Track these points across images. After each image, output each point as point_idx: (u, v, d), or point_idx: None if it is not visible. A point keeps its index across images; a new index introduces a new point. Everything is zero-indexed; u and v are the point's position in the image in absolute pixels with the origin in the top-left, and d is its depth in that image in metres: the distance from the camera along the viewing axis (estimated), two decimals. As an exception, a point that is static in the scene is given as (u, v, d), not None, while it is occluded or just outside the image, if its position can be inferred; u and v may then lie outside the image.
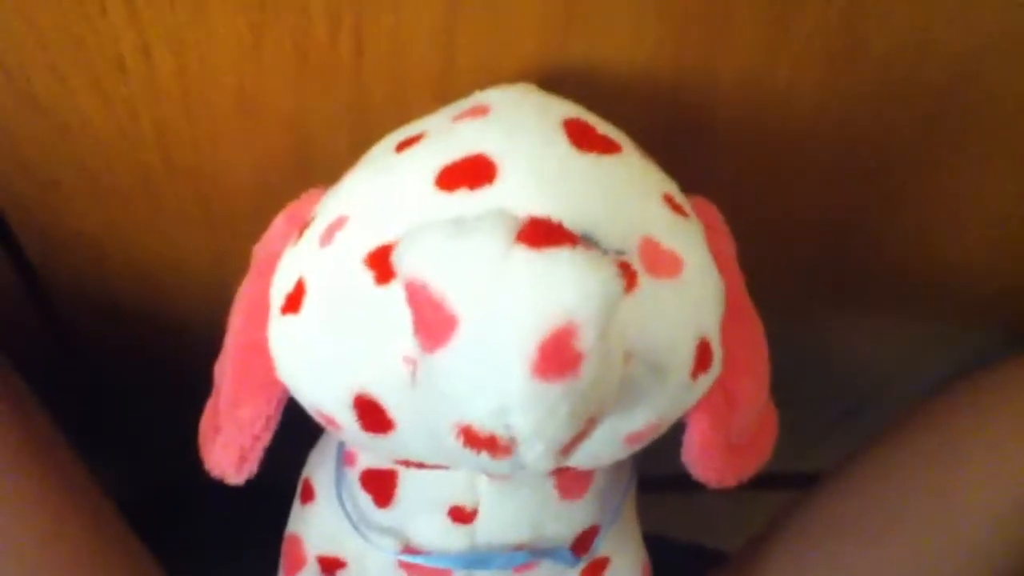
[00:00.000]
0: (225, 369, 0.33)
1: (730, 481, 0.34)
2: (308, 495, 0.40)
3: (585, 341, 0.22)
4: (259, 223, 0.39)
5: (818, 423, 0.65)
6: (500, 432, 0.23)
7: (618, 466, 0.38)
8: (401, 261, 0.24)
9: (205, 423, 0.35)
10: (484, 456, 0.23)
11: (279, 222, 0.34)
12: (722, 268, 0.32)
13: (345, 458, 0.37)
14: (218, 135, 0.37)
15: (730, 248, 0.35)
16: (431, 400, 0.24)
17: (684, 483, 0.36)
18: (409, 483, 0.35)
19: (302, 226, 0.32)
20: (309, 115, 0.37)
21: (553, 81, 0.35)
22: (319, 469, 0.39)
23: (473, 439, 0.23)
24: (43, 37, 0.33)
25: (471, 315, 0.22)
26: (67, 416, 0.45)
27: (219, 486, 0.34)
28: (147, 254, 0.44)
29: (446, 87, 0.35)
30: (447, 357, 0.23)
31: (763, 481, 0.52)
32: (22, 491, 0.40)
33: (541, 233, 0.23)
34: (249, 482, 0.33)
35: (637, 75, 0.35)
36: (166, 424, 0.52)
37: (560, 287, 0.22)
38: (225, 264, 0.43)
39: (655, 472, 0.41)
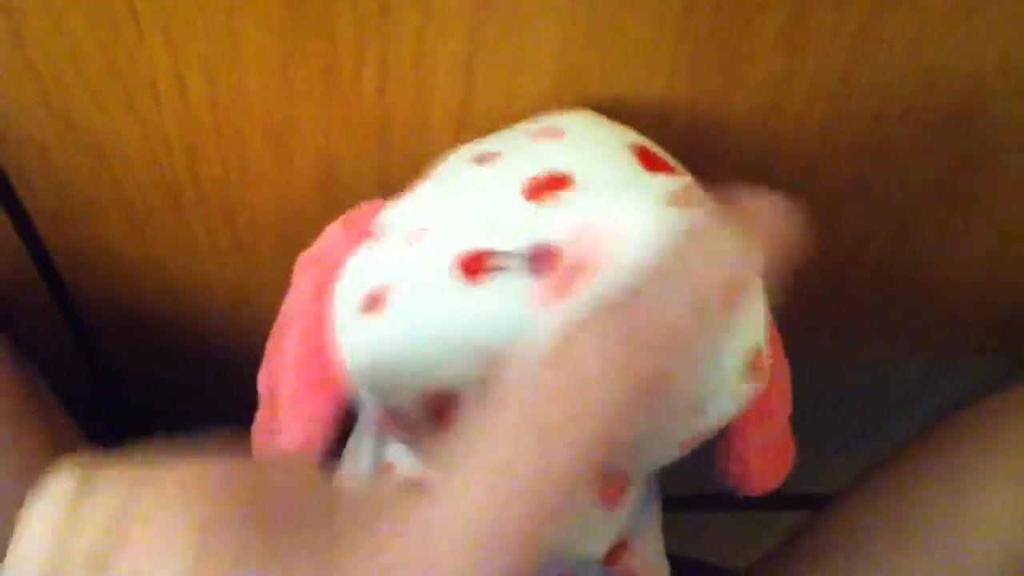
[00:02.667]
0: (283, 377, 0.34)
1: (761, 488, 0.36)
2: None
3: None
4: (284, 246, 0.41)
5: (827, 446, 0.65)
6: None
7: (647, 480, 0.39)
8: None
9: (259, 431, 0.36)
10: None
11: (335, 229, 0.35)
12: None
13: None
14: (246, 160, 0.39)
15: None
16: None
17: (697, 503, 0.37)
18: None
19: (366, 234, 0.33)
20: (334, 143, 0.38)
21: (570, 109, 0.36)
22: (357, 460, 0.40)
23: None
24: (81, 62, 0.35)
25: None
26: (94, 432, 0.47)
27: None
28: (176, 273, 0.45)
29: (466, 118, 0.36)
30: None
31: (773, 502, 0.53)
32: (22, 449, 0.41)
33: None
34: None
35: (651, 107, 0.37)
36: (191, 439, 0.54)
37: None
38: (250, 284, 0.45)
39: (668, 492, 0.41)
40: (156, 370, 0.53)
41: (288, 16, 0.33)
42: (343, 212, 0.36)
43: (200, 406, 0.52)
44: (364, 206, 0.35)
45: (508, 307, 0.27)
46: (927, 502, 0.46)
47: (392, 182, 0.39)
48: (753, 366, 0.31)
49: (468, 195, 0.31)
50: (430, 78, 0.35)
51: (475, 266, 0.28)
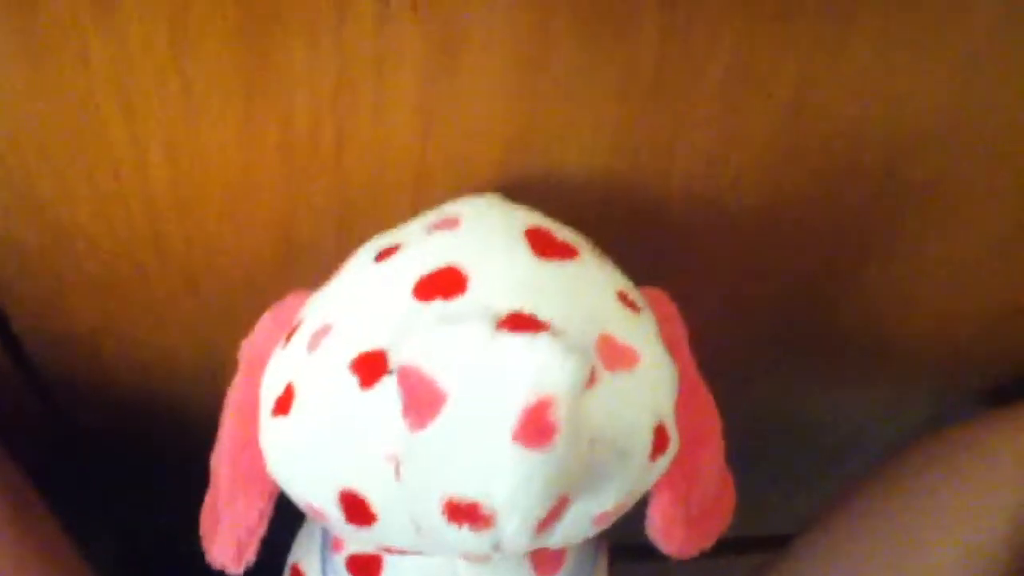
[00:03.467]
0: (220, 466, 0.35)
1: (692, 551, 0.36)
2: None
3: (559, 414, 0.24)
4: (249, 312, 0.41)
5: (789, 480, 0.67)
6: (482, 500, 0.25)
7: (587, 540, 0.40)
8: (397, 349, 0.26)
9: (205, 517, 0.37)
10: (465, 531, 0.25)
11: (266, 322, 0.36)
12: (674, 352, 0.34)
13: (332, 544, 0.39)
14: (209, 233, 0.40)
15: (682, 334, 0.38)
16: (416, 481, 0.26)
17: (653, 551, 0.38)
18: (393, 567, 0.37)
19: (289, 329, 0.34)
20: (294, 212, 0.39)
21: (519, 181, 0.38)
22: (307, 553, 0.41)
23: (455, 512, 0.25)
24: (47, 150, 0.36)
25: (459, 391, 0.25)
26: (61, 499, 0.47)
27: (210, 569, 0.36)
28: (143, 345, 0.46)
29: (420, 189, 0.38)
30: (436, 429, 0.25)
31: (737, 545, 0.54)
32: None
33: (521, 321, 0.27)
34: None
35: (596, 176, 0.38)
36: (161, 507, 0.54)
37: (539, 365, 0.25)
38: (217, 351, 0.45)
39: (627, 541, 0.42)
40: (125, 438, 0.53)
41: (246, 100, 0.34)
42: (305, 275, 0.37)
43: (170, 472, 0.52)
44: (291, 298, 0.36)
45: (398, 411, 0.27)
46: (875, 551, 0.47)
47: (352, 246, 0.40)
48: (657, 441, 0.31)
49: (366, 294, 0.32)
50: (385, 150, 0.37)
51: (368, 369, 0.29)
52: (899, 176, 0.41)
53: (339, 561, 0.39)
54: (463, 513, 0.25)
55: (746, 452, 0.41)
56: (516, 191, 0.37)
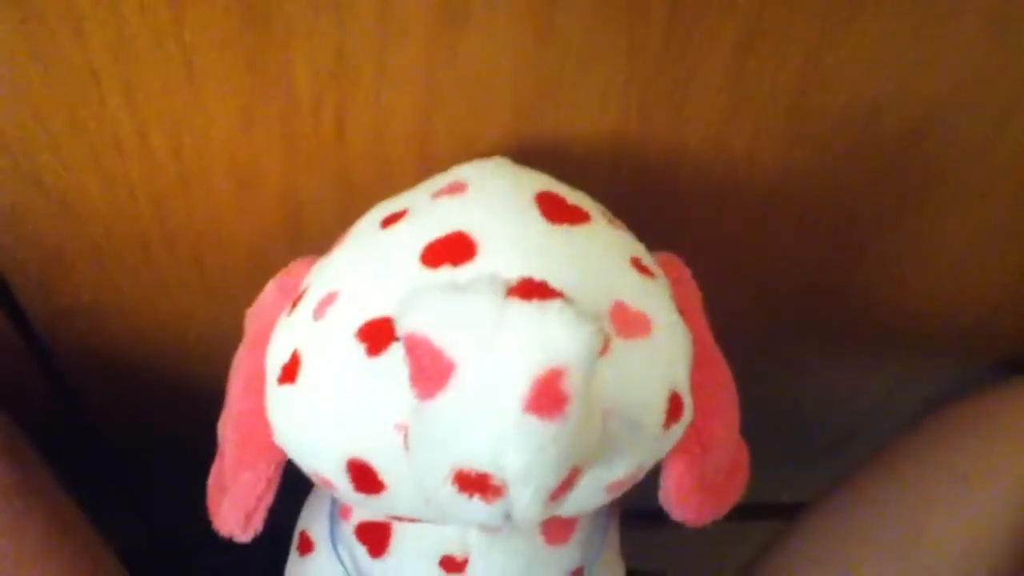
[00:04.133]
0: (227, 434, 0.35)
1: (706, 519, 0.36)
2: (306, 547, 0.41)
3: (572, 384, 0.24)
4: (253, 286, 0.41)
5: (802, 455, 0.67)
6: (493, 471, 0.24)
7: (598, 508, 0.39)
8: (402, 317, 0.25)
9: (212, 484, 0.37)
10: (476, 502, 0.25)
11: (271, 290, 0.36)
12: (689, 319, 0.34)
13: (340, 511, 0.39)
14: (212, 208, 0.39)
15: (696, 300, 0.37)
16: (425, 452, 0.25)
17: (668, 517, 0.37)
18: (403, 534, 0.37)
19: (294, 297, 0.33)
20: (298, 188, 0.39)
21: (527, 150, 0.37)
22: (315, 521, 0.41)
23: (467, 482, 0.24)
24: (46, 122, 0.35)
25: (469, 360, 0.24)
26: (70, 472, 0.47)
27: (216, 537, 0.36)
28: (147, 317, 0.45)
29: (426, 160, 0.37)
30: (445, 400, 0.24)
31: (750, 512, 0.54)
32: (22, 537, 0.41)
33: (532, 288, 0.26)
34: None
35: (605, 142, 0.37)
36: (167, 478, 0.54)
37: (551, 334, 0.24)
38: (221, 325, 0.45)
39: (638, 506, 0.42)
40: (132, 410, 0.53)
41: (247, 71, 0.34)
42: (310, 249, 0.36)
43: (177, 443, 0.52)
44: (295, 265, 0.36)
45: (406, 380, 0.26)
46: (893, 514, 0.47)
47: (356, 219, 0.40)
48: (671, 410, 0.31)
49: (373, 261, 0.31)
50: (388, 123, 0.36)
51: (376, 336, 0.29)
52: (913, 149, 0.40)
53: (348, 528, 0.38)
54: (474, 484, 0.24)
55: (757, 428, 0.40)
56: (524, 157, 0.36)
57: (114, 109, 0.35)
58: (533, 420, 0.23)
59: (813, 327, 0.52)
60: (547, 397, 0.23)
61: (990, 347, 0.54)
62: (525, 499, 0.24)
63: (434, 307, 0.25)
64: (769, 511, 0.60)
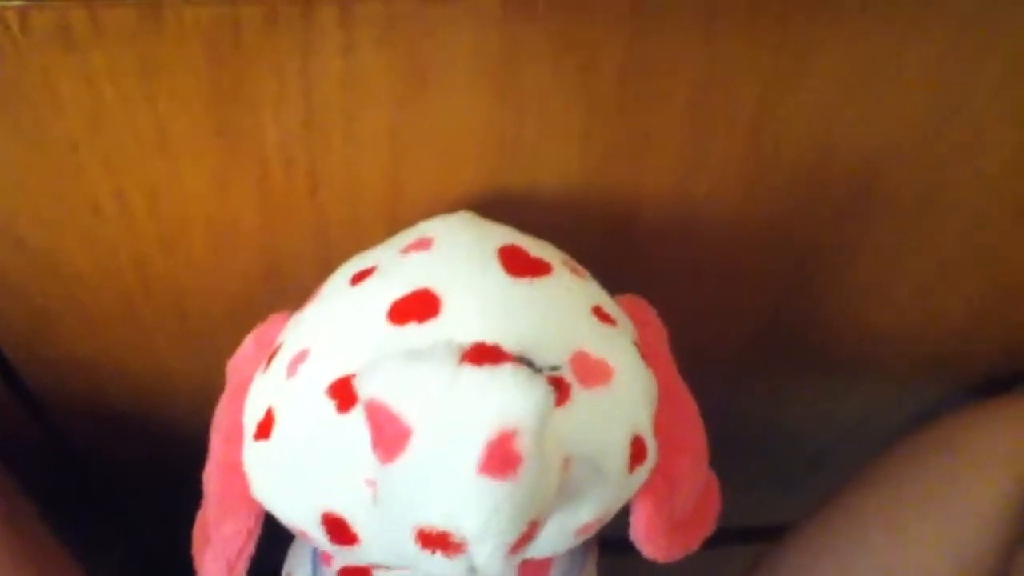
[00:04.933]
0: (209, 485, 0.36)
1: (676, 555, 0.36)
2: None
3: (524, 444, 0.25)
4: (236, 335, 0.42)
5: (779, 478, 0.67)
6: (452, 530, 0.25)
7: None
8: (362, 385, 0.26)
9: (197, 534, 0.37)
10: (439, 557, 0.26)
11: (248, 344, 0.37)
12: (653, 359, 0.35)
13: (322, 557, 0.40)
14: (192, 264, 0.40)
15: (662, 340, 0.38)
16: (390, 510, 0.27)
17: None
18: None
19: (270, 352, 0.34)
20: (276, 243, 0.40)
21: (493, 204, 0.38)
22: (299, 566, 0.42)
23: (428, 540, 0.25)
24: (27, 190, 0.36)
25: (423, 425, 0.25)
26: (60, 517, 0.48)
27: None
28: (134, 368, 0.47)
29: (396, 214, 0.38)
30: (403, 464, 0.25)
31: (729, 536, 0.54)
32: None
33: (484, 353, 0.27)
34: None
35: (570, 191, 0.39)
36: (158, 502, 0.55)
37: (502, 397, 0.25)
38: (204, 373, 0.46)
39: (616, 535, 0.43)
40: (122, 457, 0.54)
41: (218, 136, 0.35)
42: (291, 298, 0.37)
43: (166, 489, 0.53)
44: (273, 319, 0.37)
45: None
46: (865, 547, 0.48)
47: (334, 268, 0.41)
48: (634, 454, 0.32)
49: (342, 318, 0.32)
50: (359, 183, 0.37)
51: (345, 393, 0.29)
52: (866, 191, 0.42)
53: (330, 574, 0.39)
54: (435, 541, 0.25)
55: (736, 452, 0.41)
56: (491, 209, 0.37)
57: (92, 175, 0.36)
58: (487, 481, 0.24)
59: (782, 357, 0.53)
60: (499, 458, 0.24)
61: (957, 373, 0.55)
62: (485, 555, 0.25)
63: (392, 374, 0.26)
64: (748, 535, 0.61)
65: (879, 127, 0.38)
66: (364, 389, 0.26)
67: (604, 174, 0.38)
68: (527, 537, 0.26)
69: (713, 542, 0.40)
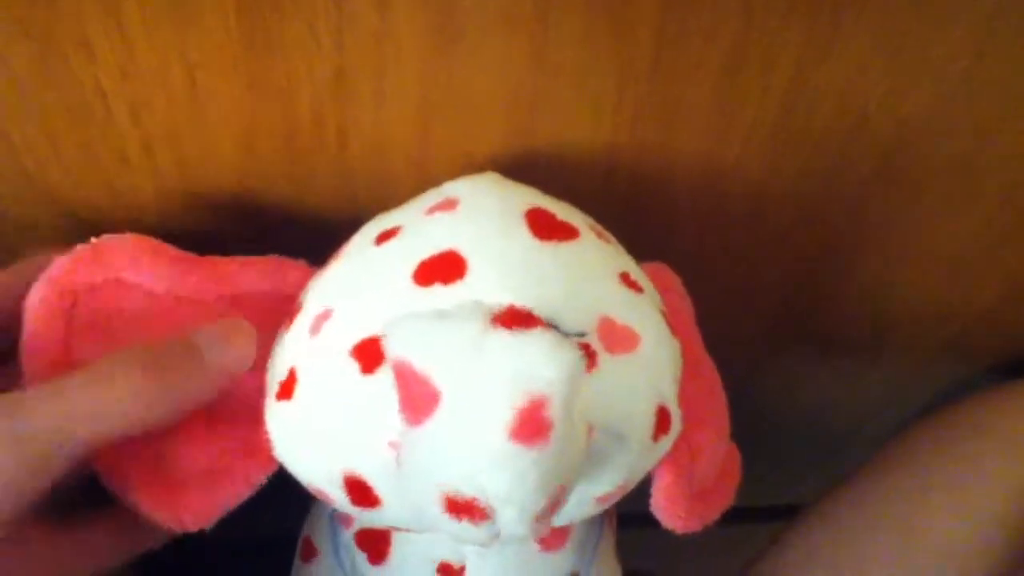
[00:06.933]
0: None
1: (695, 526, 0.36)
2: (310, 553, 0.42)
3: (554, 411, 0.24)
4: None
5: (800, 458, 0.67)
6: (479, 496, 0.25)
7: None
8: (389, 345, 0.26)
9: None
10: (465, 523, 0.25)
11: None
12: (679, 329, 0.34)
13: (341, 520, 0.40)
14: (218, 222, 0.40)
15: (687, 309, 0.38)
16: (414, 475, 0.26)
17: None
18: (401, 542, 0.38)
19: (296, 308, 0.34)
20: (304, 197, 0.40)
21: (522, 162, 0.38)
22: (318, 528, 0.42)
23: (454, 506, 0.25)
24: (56, 142, 0.36)
25: (453, 389, 0.25)
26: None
27: (223, 542, 0.36)
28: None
29: (424, 173, 0.38)
30: (431, 427, 0.25)
31: (749, 514, 0.54)
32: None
33: (516, 317, 0.27)
34: (252, 538, 0.35)
35: (598, 154, 0.38)
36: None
37: (533, 363, 0.25)
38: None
39: (634, 509, 0.43)
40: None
41: (249, 90, 0.35)
42: (315, 254, 0.37)
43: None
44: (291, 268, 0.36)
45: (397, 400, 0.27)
46: (889, 516, 0.48)
47: (361, 226, 0.41)
48: (658, 423, 0.31)
49: (366, 279, 0.32)
50: (388, 136, 0.37)
51: (369, 355, 0.29)
52: (899, 160, 0.41)
53: (348, 536, 0.39)
54: (461, 507, 0.25)
55: (753, 434, 0.41)
56: (519, 170, 0.37)
57: (120, 126, 0.36)
58: (516, 448, 0.24)
59: (806, 333, 0.53)
60: (530, 425, 0.24)
61: (982, 352, 0.55)
62: (512, 521, 0.25)
63: (421, 334, 0.26)
64: (768, 514, 0.61)
65: (912, 95, 0.38)
66: (392, 349, 0.26)
67: (634, 138, 0.38)
68: (554, 504, 0.26)
69: (734, 520, 0.40)
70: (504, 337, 0.25)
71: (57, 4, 0.31)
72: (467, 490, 0.25)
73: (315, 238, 0.42)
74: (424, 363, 0.25)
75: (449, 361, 0.25)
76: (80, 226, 0.40)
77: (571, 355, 0.25)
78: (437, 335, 0.26)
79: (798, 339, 0.53)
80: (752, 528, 0.57)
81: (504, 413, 0.24)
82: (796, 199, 0.42)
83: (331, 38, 0.33)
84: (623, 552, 0.45)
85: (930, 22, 0.35)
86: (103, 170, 0.38)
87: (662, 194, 0.41)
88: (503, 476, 0.24)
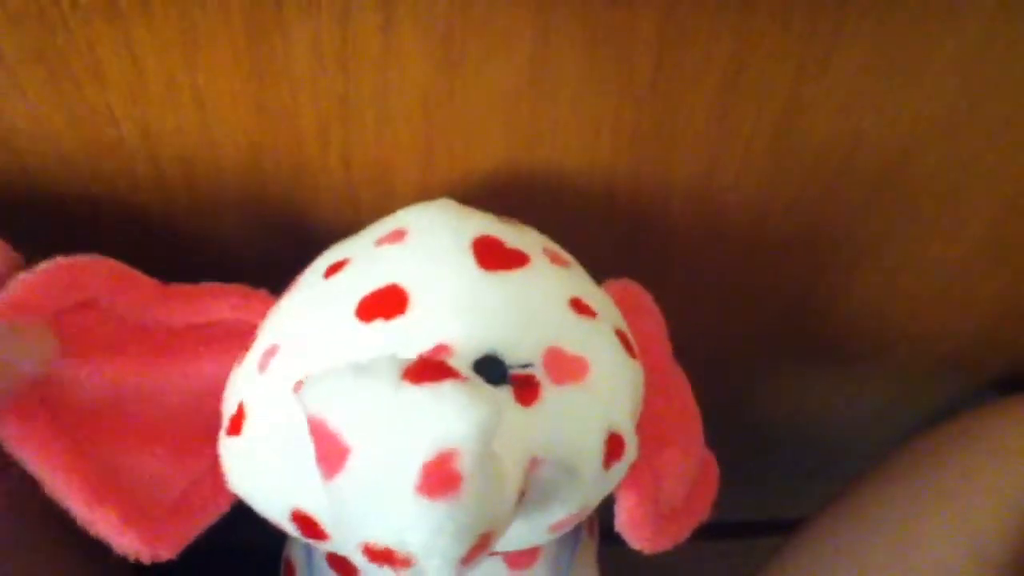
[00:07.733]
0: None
1: (665, 546, 0.36)
2: (289, 572, 0.42)
3: (464, 464, 0.24)
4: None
5: (799, 471, 0.68)
6: (397, 548, 0.24)
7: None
8: (304, 399, 0.26)
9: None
10: (388, 570, 0.25)
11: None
12: (646, 347, 0.34)
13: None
14: (224, 238, 0.41)
15: (656, 326, 0.37)
16: (338, 523, 0.26)
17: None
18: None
19: (247, 345, 0.34)
20: (306, 218, 0.40)
21: (521, 183, 0.38)
22: (296, 549, 0.42)
23: (375, 555, 0.25)
24: (70, 161, 0.37)
25: (362, 445, 0.24)
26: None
27: (214, 555, 0.37)
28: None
29: (426, 193, 0.39)
30: (342, 482, 0.25)
31: (742, 529, 0.54)
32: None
33: (427, 370, 0.25)
34: (252, 538, 0.35)
35: (597, 174, 0.39)
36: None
37: (443, 417, 0.24)
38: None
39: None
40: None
41: (255, 112, 0.36)
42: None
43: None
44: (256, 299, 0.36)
45: None
46: (885, 531, 0.48)
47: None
48: (609, 451, 0.31)
49: (313, 313, 0.32)
50: (391, 157, 0.38)
51: None
52: (893, 179, 0.42)
53: (320, 557, 0.39)
54: (382, 556, 0.25)
55: (751, 447, 0.41)
56: (519, 190, 0.38)
57: (131, 147, 0.37)
58: (426, 502, 0.24)
59: (804, 349, 0.53)
60: (437, 479, 0.24)
61: (977, 368, 0.55)
62: (435, 569, 0.25)
63: (333, 389, 0.25)
64: (767, 527, 0.61)
65: (908, 115, 0.39)
66: (307, 406, 0.26)
67: (632, 158, 0.39)
68: (479, 549, 0.26)
69: (733, 534, 0.40)
70: (413, 392, 0.25)
71: (70, 29, 0.32)
72: (383, 541, 0.25)
73: (324, 241, 0.42)
74: (334, 418, 0.25)
75: (359, 418, 0.25)
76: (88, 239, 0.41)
77: (483, 407, 0.24)
78: (349, 392, 0.25)
79: (796, 354, 0.54)
80: (746, 543, 0.58)
81: (411, 468, 0.24)
82: (794, 216, 0.43)
83: (336, 62, 0.34)
84: (618, 568, 0.45)
85: (923, 42, 0.36)
86: (114, 189, 0.38)
87: (661, 212, 0.41)
88: (417, 530, 0.24)
